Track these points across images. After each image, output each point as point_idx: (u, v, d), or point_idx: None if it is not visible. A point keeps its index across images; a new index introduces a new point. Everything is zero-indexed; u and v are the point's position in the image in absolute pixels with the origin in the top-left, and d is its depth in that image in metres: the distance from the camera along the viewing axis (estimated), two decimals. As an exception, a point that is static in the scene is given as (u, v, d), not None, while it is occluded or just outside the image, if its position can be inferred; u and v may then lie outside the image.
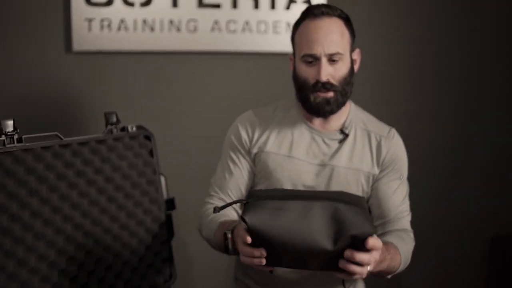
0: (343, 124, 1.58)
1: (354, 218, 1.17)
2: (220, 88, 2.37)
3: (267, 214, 1.19)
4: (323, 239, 1.16)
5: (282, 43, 2.28)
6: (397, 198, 1.57)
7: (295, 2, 2.40)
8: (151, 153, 1.68)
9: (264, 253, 1.22)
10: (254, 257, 1.24)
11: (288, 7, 2.38)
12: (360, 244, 1.16)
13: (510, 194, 2.89)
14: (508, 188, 2.88)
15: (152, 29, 2.26)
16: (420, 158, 2.59)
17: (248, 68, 2.40)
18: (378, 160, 1.57)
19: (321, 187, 1.56)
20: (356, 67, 1.56)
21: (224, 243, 1.40)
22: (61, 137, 1.48)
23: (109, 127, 1.61)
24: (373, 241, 1.17)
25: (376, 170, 1.57)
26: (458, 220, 2.81)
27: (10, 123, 1.38)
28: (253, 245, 1.21)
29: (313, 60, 1.47)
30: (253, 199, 1.24)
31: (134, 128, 1.65)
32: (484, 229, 2.86)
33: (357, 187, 1.56)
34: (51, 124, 1.98)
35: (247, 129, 1.61)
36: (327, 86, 1.47)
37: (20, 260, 1.39)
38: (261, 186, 1.60)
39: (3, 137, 1.37)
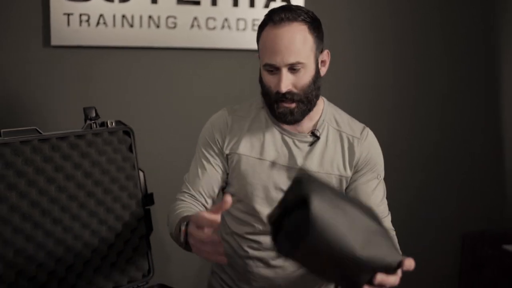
0: (315, 125, 1.56)
1: (387, 243, 1.08)
2: (200, 85, 2.39)
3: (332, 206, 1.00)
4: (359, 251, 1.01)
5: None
6: (376, 198, 1.57)
7: (274, 0, 2.42)
8: (130, 148, 1.68)
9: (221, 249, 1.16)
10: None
11: (267, 5, 2.41)
12: (390, 270, 1.08)
13: (480, 191, 2.96)
14: (478, 185, 2.95)
15: (131, 25, 2.27)
16: (392, 156, 2.63)
17: (227, 65, 2.42)
18: (350, 162, 1.56)
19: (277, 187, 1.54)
20: (324, 69, 1.52)
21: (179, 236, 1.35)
22: (40, 131, 1.48)
23: (88, 122, 1.61)
24: (408, 264, 1.12)
25: (349, 173, 1.56)
26: (430, 216, 2.87)
27: (-12, 117, 1.38)
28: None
29: (274, 69, 1.44)
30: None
31: (114, 123, 1.65)
32: (455, 225, 2.93)
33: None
34: (30, 118, 1.97)
35: (220, 129, 1.60)
36: (287, 96, 1.44)
37: (18, 251, 1.41)
38: (233, 188, 1.61)
39: (-18, 131, 1.37)
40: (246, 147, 1.56)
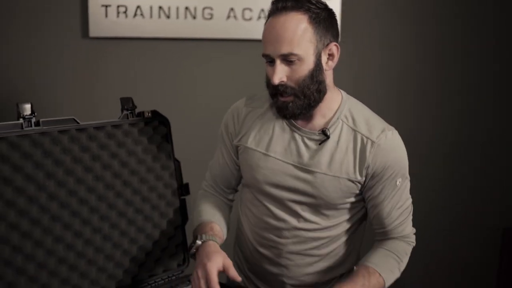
0: (328, 122, 1.47)
1: None
2: (236, 75, 2.38)
3: None
4: None
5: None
6: (393, 207, 1.51)
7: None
8: (166, 138, 1.69)
9: None
10: None
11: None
12: None
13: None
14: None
15: (168, 16, 2.27)
16: (432, 150, 2.59)
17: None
18: (361, 167, 1.45)
19: (296, 190, 1.51)
20: (332, 63, 1.44)
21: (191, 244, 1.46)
22: (78, 121, 1.49)
23: (125, 112, 1.62)
24: None
25: (359, 178, 1.46)
26: (470, 211, 2.81)
27: (27, 106, 1.40)
28: None
29: (271, 60, 1.39)
30: None
31: (150, 114, 1.66)
32: (496, 220, 2.86)
33: (336, 194, 1.48)
34: (67, 108, 2.00)
35: (234, 120, 1.59)
36: (280, 89, 1.39)
37: (37, 241, 1.41)
38: (245, 180, 1.62)
39: (21, 120, 1.38)
40: (254, 140, 1.53)
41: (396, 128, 1.48)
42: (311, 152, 1.47)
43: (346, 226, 1.57)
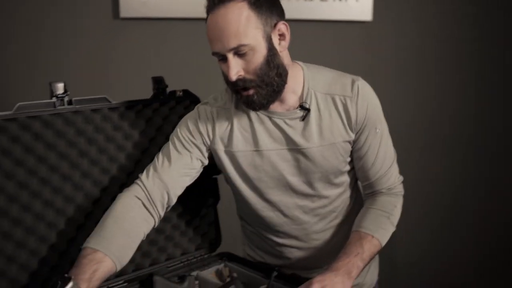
0: (302, 96, 1.43)
1: None
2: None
3: None
4: None
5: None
6: (376, 156, 1.49)
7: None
8: (197, 117, 1.68)
9: None
10: None
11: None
12: None
13: None
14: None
15: (198, -5, 2.26)
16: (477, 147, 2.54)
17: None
18: (350, 125, 1.44)
19: (302, 173, 1.48)
20: (285, 43, 1.37)
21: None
22: (110, 100, 1.50)
23: (156, 91, 1.62)
24: None
25: (352, 135, 1.46)
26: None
27: (60, 85, 1.41)
28: None
29: (222, 57, 1.33)
30: None
31: (181, 93, 1.66)
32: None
33: (337, 160, 1.47)
34: (100, 87, 2.01)
35: (205, 122, 1.47)
36: (240, 84, 1.34)
37: (71, 218, 1.44)
38: (238, 188, 1.52)
39: (54, 99, 1.39)
40: (239, 142, 1.46)
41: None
42: (298, 131, 1.44)
43: (352, 185, 1.58)
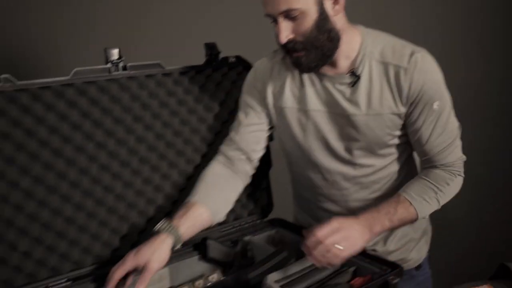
0: (354, 62, 1.39)
1: None
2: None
3: None
4: None
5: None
6: (432, 132, 1.41)
7: None
8: (249, 84, 1.68)
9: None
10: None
11: None
12: None
13: None
14: None
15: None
16: None
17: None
18: (401, 97, 1.38)
19: (344, 139, 1.45)
20: (339, 7, 1.34)
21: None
22: (163, 66, 1.51)
23: (209, 57, 1.61)
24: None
25: (402, 109, 1.39)
26: None
27: (115, 51, 1.42)
28: None
29: (273, 19, 1.32)
30: None
31: (234, 59, 1.65)
32: None
33: (383, 132, 1.42)
34: (153, 53, 2.02)
35: (262, 78, 1.50)
36: (289, 46, 1.33)
37: (127, 182, 1.46)
38: (286, 144, 1.55)
39: (109, 65, 1.41)
40: (288, 99, 1.46)
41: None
42: (346, 97, 1.41)
43: (402, 159, 1.52)
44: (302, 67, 1.38)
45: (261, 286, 1.33)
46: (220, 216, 1.48)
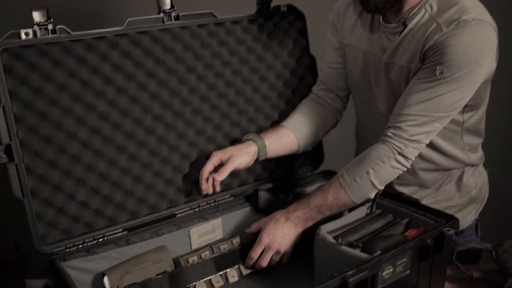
0: (409, 12, 1.33)
1: None
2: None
3: None
4: None
5: None
6: (418, 95, 1.28)
7: None
8: (301, 33, 1.64)
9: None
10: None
11: None
12: None
13: None
14: None
15: None
16: None
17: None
18: (420, 53, 1.30)
19: (380, 84, 1.43)
20: None
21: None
22: (215, 15, 1.48)
23: (260, 6, 1.58)
24: None
25: (416, 65, 1.32)
26: None
27: (168, 1, 1.40)
28: None
29: None
30: None
31: (285, 8, 1.61)
32: None
33: (404, 84, 1.36)
34: (204, 2, 1.99)
35: (338, 15, 1.53)
36: None
37: (181, 134, 1.47)
38: (350, 80, 1.56)
39: (162, 15, 1.39)
40: (354, 37, 1.47)
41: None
42: (392, 44, 1.37)
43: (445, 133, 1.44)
44: (369, 6, 1.33)
45: (314, 236, 1.33)
46: (307, 143, 1.55)
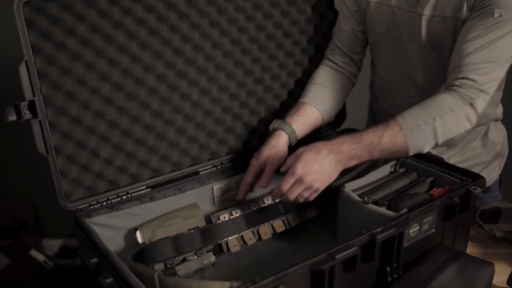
0: None
1: None
2: None
3: None
4: None
5: None
6: (477, 41, 1.21)
7: None
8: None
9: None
10: None
11: None
12: None
13: None
14: None
15: None
16: None
17: None
18: (468, 2, 1.24)
19: (414, 39, 1.37)
20: None
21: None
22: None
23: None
24: None
25: (465, 14, 1.26)
26: None
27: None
28: None
29: None
30: None
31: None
32: None
33: (447, 35, 1.31)
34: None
35: None
36: None
37: (222, 87, 1.45)
38: (372, 39, 1.51)
39: (185, -32, 1.35)
40: None
41: None
42: None
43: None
44: None
45: (339, 194, 1.32)
46: (330, 115, 1.52)
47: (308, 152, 1.23)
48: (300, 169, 1.22)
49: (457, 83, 1.24)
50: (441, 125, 1.22)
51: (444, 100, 1.23)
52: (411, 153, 1.24)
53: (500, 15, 1.20)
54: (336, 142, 1.24)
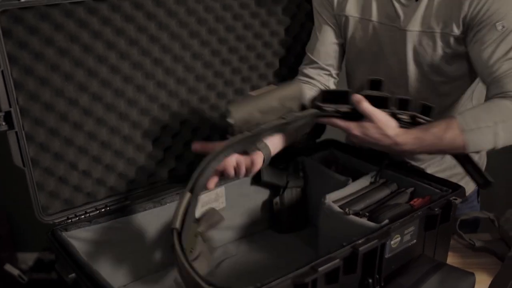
0: None
1: None
2: None
3: None
4: None
5: None
6: (494, 55, 1.23)
7: None
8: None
9: None
10: None
11: None
12: None
13: None
14: None
15: None
16: None
17: None
18: (457, 18, 1.25)
19: (397, 54, 1.38)
20: None
21: None
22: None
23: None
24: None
25: (455, 31, 1.27)
26: None
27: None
28: None
29: None
30: None
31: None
32: None
33: (433, 51, 1.32)
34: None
35: None
36: None
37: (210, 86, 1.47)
38: (348, 56, 1.50)
39: (164, -23, 1.35)
40: (352, 6, 1.39)
41: None
42: (407, 10, 1.33)
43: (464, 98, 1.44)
44: None
45: (320, 205, 1.31)
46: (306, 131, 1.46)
47: (377, 129, 1.22)
48: (360, 134, 1.23)
49: (501, 95, 1.22)
50: (504, 129, 1.18)
51: (505, 106, 1.20)
52: (468, 152, 1.22)
53: (503, 26, 1.22)
54: (401, 138, 1.22)
